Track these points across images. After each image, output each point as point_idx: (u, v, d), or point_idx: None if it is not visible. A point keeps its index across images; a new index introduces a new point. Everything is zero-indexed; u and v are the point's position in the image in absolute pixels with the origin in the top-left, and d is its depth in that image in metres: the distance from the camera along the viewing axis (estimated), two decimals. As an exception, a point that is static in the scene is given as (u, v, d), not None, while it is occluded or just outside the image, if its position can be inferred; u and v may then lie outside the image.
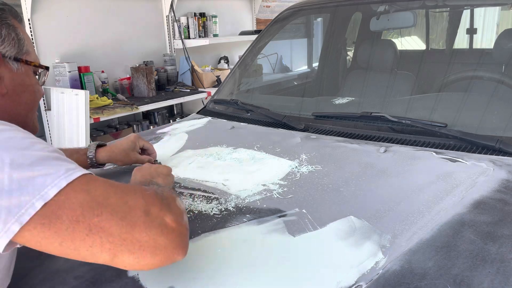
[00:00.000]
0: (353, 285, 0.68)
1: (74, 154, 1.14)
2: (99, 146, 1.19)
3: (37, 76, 0.84)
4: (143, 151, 1.25)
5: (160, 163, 1.20)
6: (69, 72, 3.03)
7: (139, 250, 0.59)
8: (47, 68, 0.86)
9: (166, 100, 3.47)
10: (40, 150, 0.62)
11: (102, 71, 3.40)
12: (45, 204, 0.56)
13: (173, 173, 1.18)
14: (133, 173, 0.91)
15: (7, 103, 0.77)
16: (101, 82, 3.38)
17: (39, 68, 0.83)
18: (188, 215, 0.93)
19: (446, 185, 0.97)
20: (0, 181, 0.56)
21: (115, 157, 1.19)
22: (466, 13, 2.39)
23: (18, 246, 0.60)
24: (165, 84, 3.84)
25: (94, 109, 2.97)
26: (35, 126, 0.86)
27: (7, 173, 0.57)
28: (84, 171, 0.62)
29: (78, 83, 3.11)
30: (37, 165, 0.59)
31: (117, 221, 0.59)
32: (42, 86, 0.87)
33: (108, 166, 1.25)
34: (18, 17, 0.82)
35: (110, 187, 0.62)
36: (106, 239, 0.58)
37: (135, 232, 0.59)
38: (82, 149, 1.18)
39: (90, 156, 1.16)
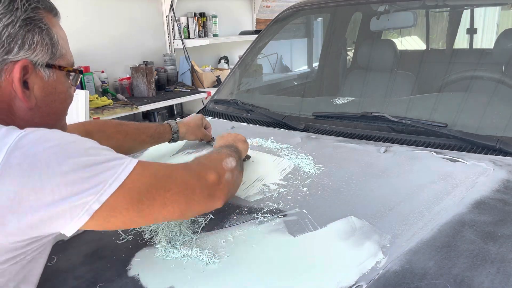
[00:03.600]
0: (353, 285, 0.68)
1: (160, 127, 1.27)
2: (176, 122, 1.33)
3: (70, 78, 0.78)
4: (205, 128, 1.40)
5: (214, 138, 1.39)
6: (69, 72, 3.03)
7: (198, 206, 0.78)
8: (80, 72, 0.80)
9: (166, 100, 3.47)
10: (96, 143, 0.68)
11: (102, 71, 3.40)
12: (121, 184, 0.63)
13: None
14: (217, 140, 1.16)
15: (35, 115, 0.71)
16: (101, 82, 3.37)
17: (72, 72, 0.77)
18: (188, 215, 0.93)
19: (446, 185, 0.97)
20: (78, 167, 0.60)
21: (191, 132, 1.33)
22: (466, 13, 2.38)
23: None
24: (165, 84, 3.84)
25: (94, 109, 2.97)
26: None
27: (83, 160, 0.61)
28: (137, 159, 0.70)
29: (78, 83, 3.10)
30: (102, 154, 0.65)
31: (183, 191, 0.73)
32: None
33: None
34: (53, 10, 0.75)
35: (166, 167, 0.75)
36: (178, 206, 0.72)
37: (195, 196, 0.75)
38: (165, 124, 1.30)
39: (175, 130, 1.29)
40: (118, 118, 3.34)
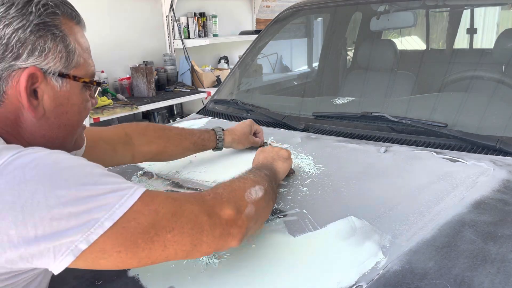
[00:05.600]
0: (353, 285, 0.67)
1: (204, 134, 1.21)
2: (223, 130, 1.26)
3: (91, 89, 0.74)
4: (254, 134, 1.31)
5: (268, 143, 1.33)
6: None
7: (207, 247, 0.65)
8: (98, 84, 0.75)
9: (166, 100, 3.47)
10: (98, 168, 0.61)
11: (102, 71, 3.40)
12: (115, 223, 0.56)
13: (172, 173, 1.18)
14: (257, 154, 1.06)
15: (43, 126, 0.67)
16: (101, 82, 3.37)
17: (89, 83, 0.72)
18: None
19: (446, 185, 0.97)
20: (67, 201, 0.54)
21: (237, 140, 1.25)
22: (466, 13, 2.39)
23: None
24: (165, 84, 3.84)
25: (94, 109, 2.96)
26: (77, 144, 0.78)
27: (73, 193, 0.55)
28: (144, 188, 0.62)
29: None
30: (101, 184, 0.58)
31: (188, 232, 0.63)
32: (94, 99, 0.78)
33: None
34: (75, 18, 0.71)
35: (174, 201, 0.64)
36: (180, 248, 0.62)
37: (203, 237, 0.64)
38: (210, 131, 1.23)
39: (220, 138, 1.23)
40: (118, 118, 3.34)
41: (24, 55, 0.62)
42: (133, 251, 0.58)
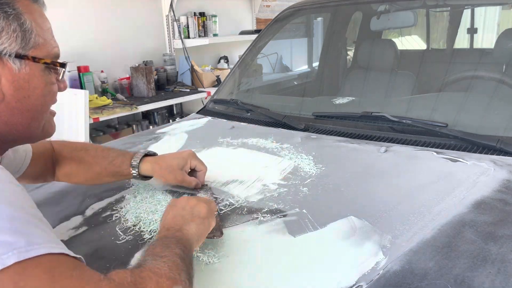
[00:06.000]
0: (353, 285, 0.67)
1: (118, 158, 1.01)
2: (147, 155, 1.03)
3: (58, 72, 0.69)
4: (194, 171, 1.05)
5: (210, 187, 1.05)
6: (69, 71, 3.02)
7: None
8: (63, 66, 0.69)
9: (166, 100, 3.47)
10: (13, 206, 0.51)
11: (102, 71, 3.40)
12: None
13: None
14: (166, 209, 0.79)
15: (4, 112, 0.63)
16: (101, 82, 3.37)
17: (51, 65, 0.67)
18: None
19: (446, 185, 0.97)
20: None
21: (158, 172, 1.01)
22: (466, 13, 2.38)
23: None
24: (165, 84, 3.83)
25: (94, 109, 2.96)
26: (46, 132, 0.72)
27: None
28: (58, 250, 0.50)
29: (78, 83, 3.10)
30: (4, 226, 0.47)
31: None
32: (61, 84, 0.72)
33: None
34: None
35: (51, 282, 0.47)
36: None
37: None
38: (127, 154, 1.02)
39: (133, 164, 1.00)
40: (118, 118, 3.34)
41: None
42: None
